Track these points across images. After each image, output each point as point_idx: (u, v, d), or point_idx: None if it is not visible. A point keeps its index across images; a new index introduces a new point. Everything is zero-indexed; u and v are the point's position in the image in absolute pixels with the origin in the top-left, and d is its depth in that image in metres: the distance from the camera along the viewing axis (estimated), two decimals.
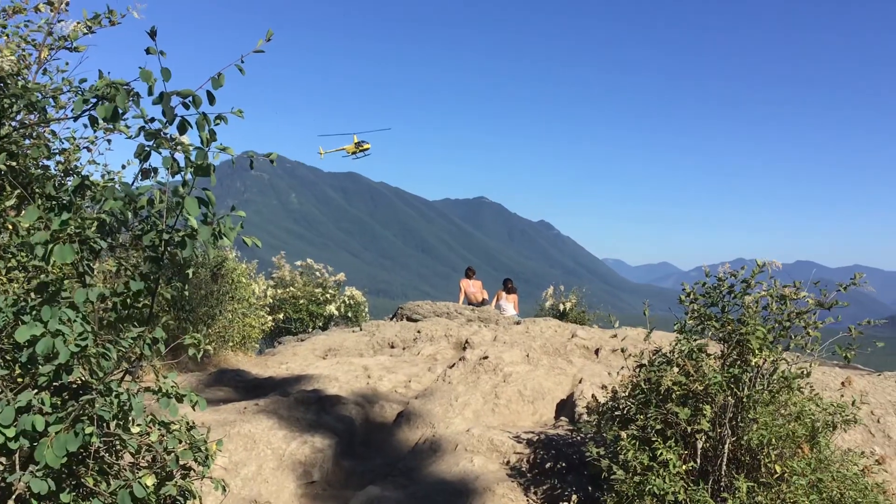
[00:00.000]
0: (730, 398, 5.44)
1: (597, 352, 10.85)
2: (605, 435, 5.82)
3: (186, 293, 10.72)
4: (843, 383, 6.68)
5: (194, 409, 3.78)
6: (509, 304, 18.61)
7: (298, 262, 18.91)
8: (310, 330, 16.94)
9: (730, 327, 5.57)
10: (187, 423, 3.90)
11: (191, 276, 6.16)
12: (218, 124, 3.51)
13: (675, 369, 5.68)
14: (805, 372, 5.75)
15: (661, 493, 5.16)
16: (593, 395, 6.55)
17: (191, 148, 3.44)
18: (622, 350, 6.19)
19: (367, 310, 19.21)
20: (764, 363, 5.53)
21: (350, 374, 9.64)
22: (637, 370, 5.89)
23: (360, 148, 57.94)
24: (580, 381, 8.63)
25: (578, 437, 6.84)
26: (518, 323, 13.31)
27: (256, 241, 3.78)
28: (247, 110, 3.49)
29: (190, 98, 3.36)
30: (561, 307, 18.66)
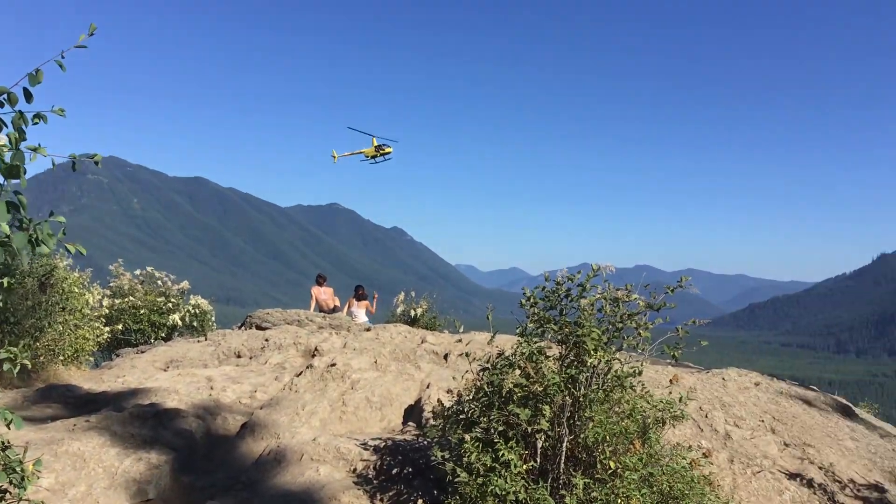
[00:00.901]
0: (567, 398, 5.63)
1: (446, 356, 10.98)
2: (450, 438, 5.88)
3: (9, 305, 9.97)
4: (671, 381, 7.07)
5: (9, 428, 3.52)
6: (361, 310, 18.55)
7: (138, 271, 18.01)
8: (152, 341, 16.18)
9: (567, 329, 5.77)
10: (1, 443, 3.63)
11: (9, 285, 5.72)
12: (37, 123, 3.29)
13: (517, 371, 5.82)
14: (637, 371, 6.04)
15: (503, 493, 5.27)
16: (439, 400, 6.61)
17: (4, 149, 3.20)
18: (466, 354, 6.28)
19: (213, 319, 18.56)
20: (599, 363, 5.75)
21: (192, 385, 9.27)
22: (481, 373, 6.00)
23: (381, 152, 53.08)
24: (428, 386, 8.69)
25: (425, 442, 6.88)
26: (368, 329, 13.27)
27: (80, 248, 3.57)
28: (73, 108, 3.29)
29: (5, 95, 3.14)
30: (412, 313, 18.78)
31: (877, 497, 9.08)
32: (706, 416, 9.58)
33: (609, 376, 5.84)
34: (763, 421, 10.13)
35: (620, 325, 5.86)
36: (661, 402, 6.04)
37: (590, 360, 5.62)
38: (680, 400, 6.09)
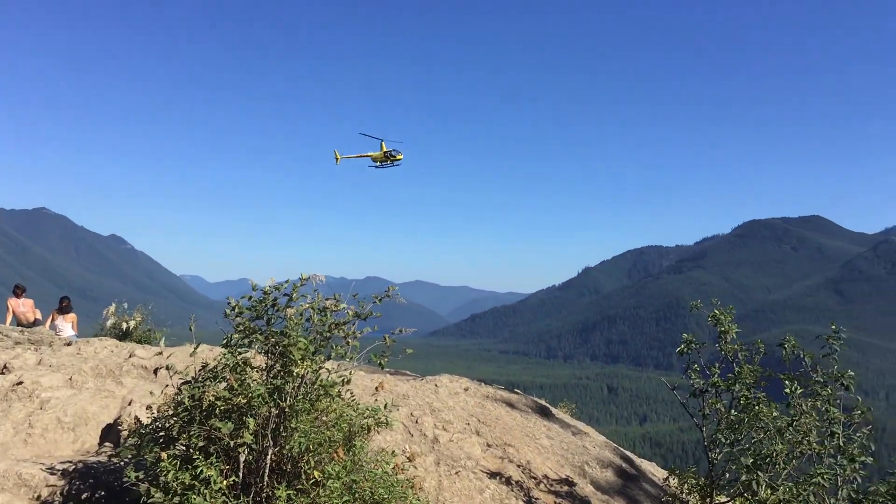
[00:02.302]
0: (273, 409, 5.55)
1: (156, 371, 10.38)
2: (146, 457, 5.55)
3: None
4: (377, 388, 7.24)
5: None
6: (67, 324, 17.05)
7: None
8: None
9: (273, 339, 5.69)
10: None
11: None
12: None
13: (222, 384, 5.65)
14: (345, 379, 6.11)
15: None
16: (136, 418, 6.21)
17: None
18: (167, 367, 5.98)
19: None
20: (306, 373, 5.74)
21: None
22: (181, 387, 5.73)
23: (391, 158, 49.13)
24: (130, 403, 8.15)
25: (121, 463, 6.43)
26: (69, 344, 12.19)
27: None
28: None
29: None
30: (124, 326, 17.55)
31: (566, 490, 9.98)
32: (416, 422, 9.94)
33: (316, 386, 5.85)
34: (469, 424, 10.72)
35: (328, 334, 5.90)
36: (368, 409, 6.16)
37: (297, 370, 5.58)
38: (385, 406, 6.25)
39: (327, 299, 6.03)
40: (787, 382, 9.44)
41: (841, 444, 8.81)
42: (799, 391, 9.45)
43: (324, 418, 5.87)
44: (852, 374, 10.04)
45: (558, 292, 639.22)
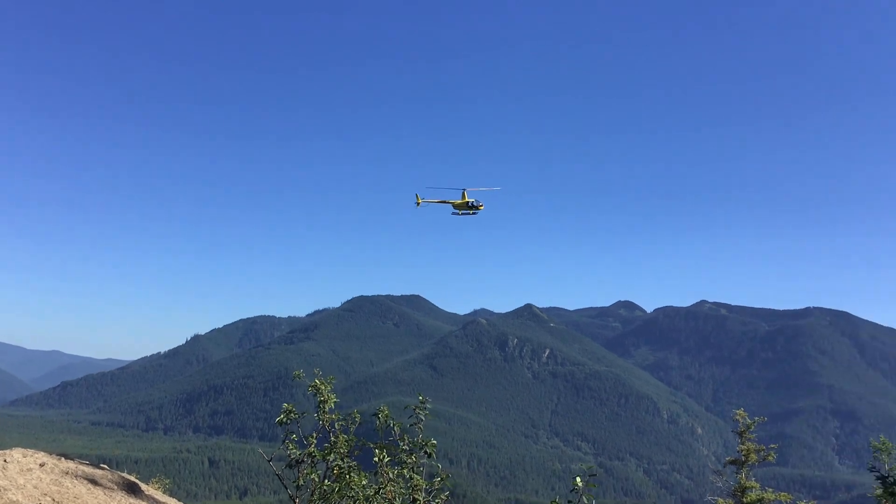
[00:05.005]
0: None
1: None
2: None
3: None
4: None
5: None
6: None
7: None
8: None
9: None
10: None
11: None
12: None
13: None
14: None
15: None
16: None
17: None
18: None
19: None
20: None
21: None
22: None
23: (471, 207, 49.63)
24: None
25: None
26: None
27: None
28: None
29: None
30: None
31: None
32: None
33: None
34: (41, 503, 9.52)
35: None
36: None
37: None
38: None
39: None
40: (376, 451, 9.97)
41: None
42: (387, 459, 10.02)
43: None
44: (435, 442, 10.91)
45: (164, 360, 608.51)
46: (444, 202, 54.72)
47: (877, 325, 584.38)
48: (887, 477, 18.91)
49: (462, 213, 54.33)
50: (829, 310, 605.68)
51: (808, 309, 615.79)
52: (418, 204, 55.77)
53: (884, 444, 38.31)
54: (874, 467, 21.32)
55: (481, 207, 54.18)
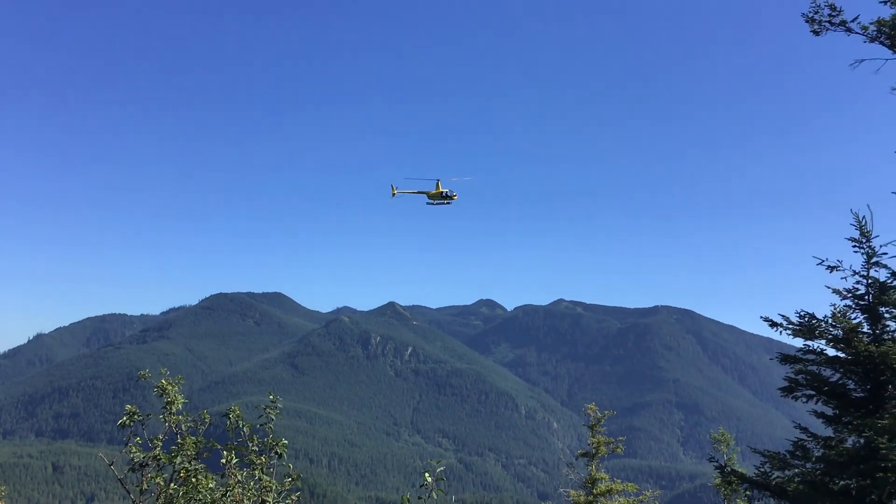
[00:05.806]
0: None
1: None
2: None
3: None
4: None
5: None
6: None
7: None
8: None
9: None
10: None
11: None
12: None
13: None
14: None
15: None
16: None
17: None
18: None
19: None
20: None
21: None
22: None
23: (445, 197, 52.21)
24: None
25: None
26: None
27: None
28: None
29: None
30: None
31: None
32: None
33: None
34: None
35: None
36: None
37: None
38: None
39: None
40: (224, 453, 9.78)
41: None
42: (235, 461, 9.86)
43: None
44: (286, 442, 10.82)
45: (3, 360, 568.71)
46: (420, 192, 55.27)
47: (718, 322, 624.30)
48: (724, 466, 20.56)
49: (436, 203, 54.63)
50: (676, 308, 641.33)
51: (656, 307, 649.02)
52: (393, 195, 55.58)
53: (722, 435, 41.69)
54: (713, 458, 23.12)
55: (455, 197, 55.02)
